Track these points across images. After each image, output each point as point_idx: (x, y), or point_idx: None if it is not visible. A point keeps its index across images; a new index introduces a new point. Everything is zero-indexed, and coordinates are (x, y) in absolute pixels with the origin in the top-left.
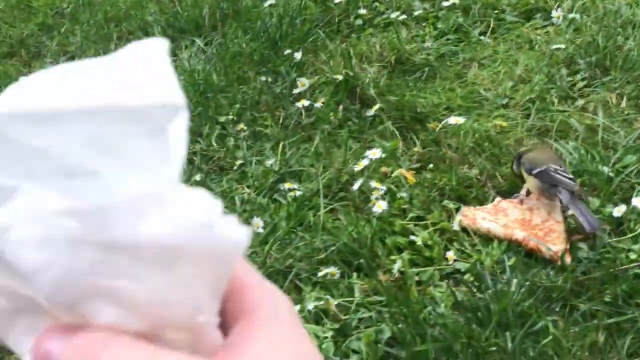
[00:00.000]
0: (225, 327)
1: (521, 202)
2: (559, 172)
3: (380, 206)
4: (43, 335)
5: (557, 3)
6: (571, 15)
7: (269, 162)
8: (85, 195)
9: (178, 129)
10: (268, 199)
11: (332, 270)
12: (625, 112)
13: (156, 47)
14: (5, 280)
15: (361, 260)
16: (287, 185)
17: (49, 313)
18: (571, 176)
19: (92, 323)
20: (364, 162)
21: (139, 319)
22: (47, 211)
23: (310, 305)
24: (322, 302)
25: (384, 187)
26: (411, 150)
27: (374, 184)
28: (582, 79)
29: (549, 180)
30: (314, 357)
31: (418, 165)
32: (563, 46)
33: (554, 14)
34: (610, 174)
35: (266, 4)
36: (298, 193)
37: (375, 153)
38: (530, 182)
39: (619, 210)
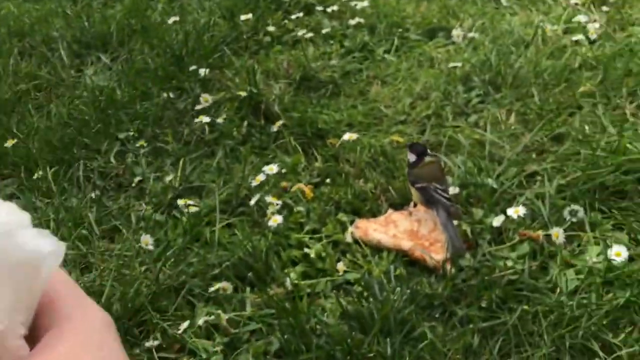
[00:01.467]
0: (37, 340)
1: (410, 213)
2: (439, 191)
3: (275, 220)
4: None
5: (459, 22)
6: (470, 35)
7: (168, 179)
8: None
9: None
10: (166, 216)
11: (224, 285)
12: (513, 127)
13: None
14: None
15: (255, 275)
16: (182, 202)
17: None
18: (448, 196)
19: None
20: (262, 177)
21: None
22: None
23: (201, 321)
24: (212, 317)
25: (280, 202)
26: (312, 165)
27: (270, 198)
28: (477, 96)
29: (428, 198)
30: None
31: (318, 179)
32: (460, 64)
33: (454, 32)
34: (494, 185)
35: (170, 21)
36: (195, 209)
37: (272, 168)
38: (414, 194)
39: (497, 220)
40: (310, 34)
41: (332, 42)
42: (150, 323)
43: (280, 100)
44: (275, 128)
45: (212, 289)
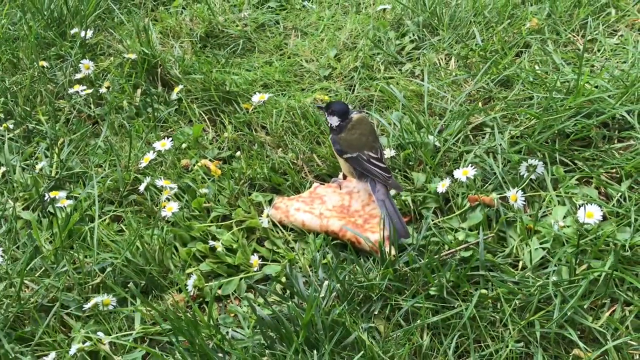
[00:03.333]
0: None
1: (339, 186)
2: (372, 160)
3: (170, 208)
4: None
5: None
6: None
7: (40, 166)
8: None
9: None
10: (38, 213)
11: (105, 298)
12: (454, 74)
13: None
14: None
15: (148, 280)
16: (54, 194)
17: None
18: (384, 165)
19: None
20: (150, 156)
21: None
22: None
23: (73, 349)
24: (89, 344)
25: (175, 186)
26: (222, 136)
27: (162, 182)
28: (411, 41)
29: (359, 168)
30: None
31: (228, 153)
32: (389, 6)
33: None
34: (437, 143)
35: None
36: (69, 202)
37: (164, 143)
38: (343, 166)
39: (443, 185)
40: None
41: None
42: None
43: (180, 62)
44: (174, 95)
45: (89, 304)
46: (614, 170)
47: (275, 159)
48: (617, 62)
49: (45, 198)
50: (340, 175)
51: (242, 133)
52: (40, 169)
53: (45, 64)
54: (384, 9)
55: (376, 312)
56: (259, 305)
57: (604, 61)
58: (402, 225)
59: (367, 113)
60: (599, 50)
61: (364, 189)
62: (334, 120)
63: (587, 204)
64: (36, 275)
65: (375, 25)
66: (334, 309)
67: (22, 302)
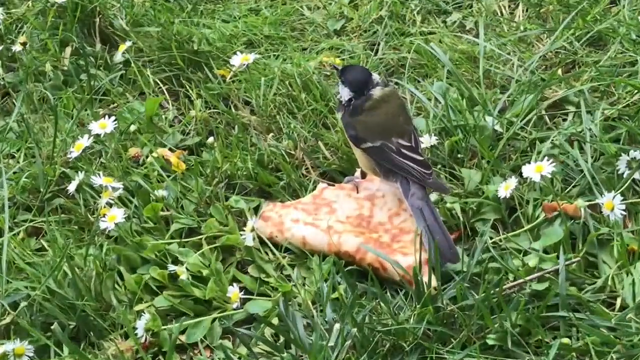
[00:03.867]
0: None
1: (356, 188)
2: (403, 150)
3: (112, 217)
4: None
5: None
6: None
7: None
8: None
9: None
10: None
11: (17, 346)
12: (522, 28)
13: None
14: None
15: (80, 321)
16: None
17: None
18: (422, 158)
19: None
20: (85, 142)
21: None
22: None
23: None
24: None
25: (120, 185)
26: (187, 115)
27: (100, 179)
28: None
29: (386, 163)
30: None
31: (196, 140)
32: None
33: None
34: (497, 127)
35: None
36: None
37: (104, 125)
38: (361, 159)
39: (506, 187)
40: None
41: None
42: None
43: (128, 9)
44: (119, 56)
45: None
46: None
47: (265, 149)
48: None
49: None
50: (358, 173)
51: (216, 111)
52: None
53: None
54: None
55: None
56: (240, 359)
57: None
58: (448, 243)
59: (396, 85)
60: None
61: (391, 192)
62: (345, 94)
63: None
64: None
65: None
66: None
67: None
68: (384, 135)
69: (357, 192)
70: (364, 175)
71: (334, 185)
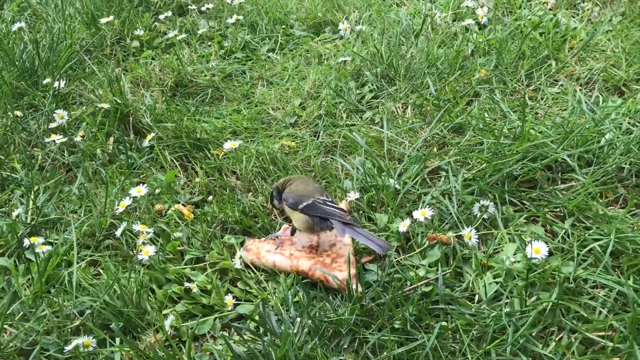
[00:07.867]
0: None
1: (274, 242)
2: (328, 203)
3: (147, 252)
4: None
5: (345, 15)
6: (358, 27)
7: (16, 213)
8: None
9: None
10: (15, 259)
11: (85, 340)
12: (410, 122)
13: None
14: None
15: (126, 322)
16: (33, 240)
17: None
18: (340, 206)
19: None
20: (127, 202)
21: None
22: None
23: None
24: None
25: (151, 230)
26: (193, 181)
27: (138, 227)
28: (370, 91)
29: (319, 214)
30: None
31: (200, 197)
32: (350, 58)
33: (341, 26)
34: (397, 186)
35: (14, 27)
36: (47, 248)
37: (140, 190)
38: (298, 218)
39: (404, 225)
40: (184, 35)
41: (209, 43)
42: None
43: (151, 111)
44: (147, 142)
45: (70, 346)
46: (558, 210)
47: (246, 203)
48: (559, 110)
49: (24, 244)
50: (280, 230)
51: (213, 178)
52: (17, 216)
53: (19, 113)
54: (344, 61)
55: (345, 346)
56: (234, 342)
57: (546, 109)
58: (380, 241)
59: (332, 158)
60: (542, 99)
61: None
62: (275, 194)
63: (534, 240)
64: (15, 319)
65: (337, 75)
66: (306, 344)
67: (2, 346)
68: (312, 195)
69: (276, 248)
70: (293, 232)
71: (268, 237)
